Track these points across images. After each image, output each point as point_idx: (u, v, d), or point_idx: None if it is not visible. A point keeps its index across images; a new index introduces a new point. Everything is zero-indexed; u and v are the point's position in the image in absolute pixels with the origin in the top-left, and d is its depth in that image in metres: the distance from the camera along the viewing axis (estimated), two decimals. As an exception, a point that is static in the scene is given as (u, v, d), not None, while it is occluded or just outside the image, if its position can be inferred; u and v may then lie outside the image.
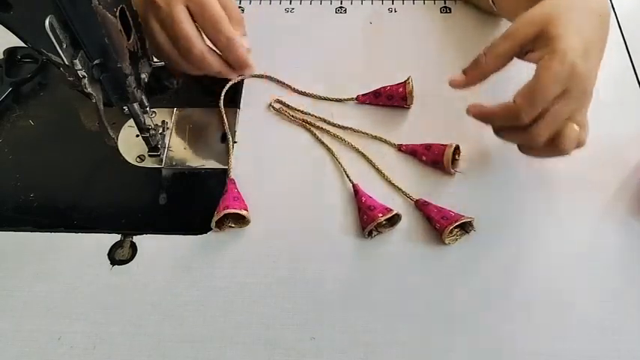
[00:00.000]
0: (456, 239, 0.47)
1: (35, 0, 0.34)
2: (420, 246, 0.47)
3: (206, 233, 0.48)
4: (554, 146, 0.44)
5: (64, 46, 0.35)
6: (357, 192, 0.49)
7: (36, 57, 0.59)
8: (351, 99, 0.55)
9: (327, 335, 0.43)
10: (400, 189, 0.50)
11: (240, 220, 0.48)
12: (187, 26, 0.45)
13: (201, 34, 0.46)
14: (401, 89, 0.53)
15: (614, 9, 0.63)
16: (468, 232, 0.47)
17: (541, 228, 0.47)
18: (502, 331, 0.42)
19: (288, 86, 0.57)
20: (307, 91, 0.56)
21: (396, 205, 0.48)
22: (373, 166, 0.51)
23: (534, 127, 0.43)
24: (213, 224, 0.46)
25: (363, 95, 0.55)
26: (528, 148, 0.46)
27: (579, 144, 0.45)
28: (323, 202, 0.49)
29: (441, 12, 0.63)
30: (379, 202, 0.48)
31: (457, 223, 0.45)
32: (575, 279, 0.45)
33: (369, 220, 0.46)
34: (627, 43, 0.60)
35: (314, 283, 0.45)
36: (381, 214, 0.46)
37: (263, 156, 0.52)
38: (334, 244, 0.47)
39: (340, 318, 0.43)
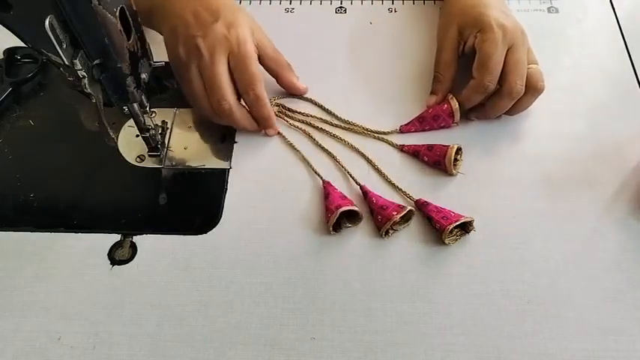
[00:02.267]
0: (456, 239, 0.47)
1: (35, 0, 0.34)
2: (421, 246, 0.47)
3: (206, 233, 0.48)
4: (531, 91, 0.50)
5: (64, 46, 0.35)
6: (366, 193, 0.49)
7: (36, 57, 0.59)
8: (395, 131, 0.54)
9: (327, 335, 0.43)
10: (400, 189, 0.50)
11: (354, 217, 0.48)
12: (223, 78, 0.48)
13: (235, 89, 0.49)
14: (446, 106, 0.52)
15: (614, 9, 0.63)
16: (468, 232, 0.47)
17: (541, 228, 0.47)
18: (502, 331, 0.42)
19: (329, 111, 0.55)
20: (348, 119, 0.54)
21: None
22: (373, 166, 0.51)
23: (507, 84, 0.49)
24: (330, 227, 0.46)
25: (406, 125, 0.54)
26: (513, 108, 0.52)
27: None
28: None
29: (441, 12, 0.63)
30: (390, 200, 0.48)
31: (457, 223, 0.45)
32: (574, 279, 0.45)
33: (385, 219, 0.46)
34: (627, 43, 0.60)
35: (314, 283, 0.45)
36: (395, 212, 0.46)
37: (263, 156, 0.52)
38: (334, 244, 0.47)
39: (340, 318, 0.43)
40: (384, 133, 0.54)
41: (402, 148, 0.52)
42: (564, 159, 0.51)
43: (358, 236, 0.47)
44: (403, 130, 0.54)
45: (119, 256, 0.47)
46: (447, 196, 0.49)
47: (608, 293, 0.44)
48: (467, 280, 0.45)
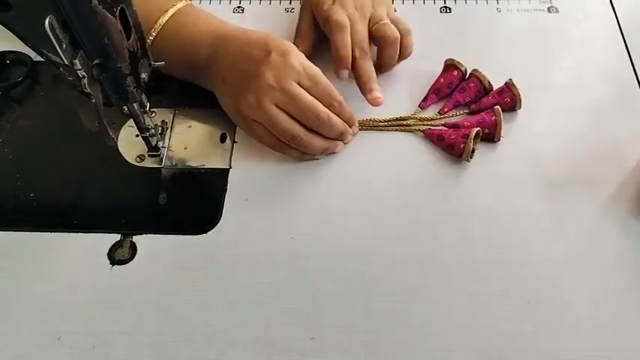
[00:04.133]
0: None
1: (35, 0, 0.34)
2: (420, 245, 0.47)
3: (206, 233, 0.48)
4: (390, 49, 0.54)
5: (64, 46, 0.35)
6: (430, 134, 0.52)
7: (25, 61, 0.58)
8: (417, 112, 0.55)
9: (327, 335, 0.43)
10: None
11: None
12: (309, 97, 0.47)
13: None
14: (456, 72, 0.55)
15: (614, 9, 0.63)
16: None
17: (541, 228, 0.47)
18: (502, 331, 0.42)
19: None
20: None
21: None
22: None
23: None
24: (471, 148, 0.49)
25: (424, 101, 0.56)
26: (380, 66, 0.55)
27: (406, 32, 0.55)
28: (322, 202, 0.49)
29: (441, 12, 0.64)
30: (451, 129, 0.52)
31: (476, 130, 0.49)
32: (575, 279, 0.45)
33: (464, 137, 0.49)
34: (627, 43, 0.60)
35: (314, 283, 0.45)
36: (468, 130, 0.50)
37: (263, 156, 0.52)
38: (334, 244, 0.47)
39: (340, 318, 0.43)
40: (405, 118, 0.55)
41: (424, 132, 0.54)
42: (564, 159, 0.51)
43: (357, 237, 0.47)
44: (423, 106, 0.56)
45: (119, 256, 0.47)
46: (446, 194, 0.49)
47: (608, 293, 0.44)
48: (467, 280, 0.45)
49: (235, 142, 0.53)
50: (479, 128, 0.50)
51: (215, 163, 0.52)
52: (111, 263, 0.46)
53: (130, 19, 0.40)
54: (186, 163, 0.52)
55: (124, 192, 0.52)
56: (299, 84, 0.47)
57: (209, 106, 0.53)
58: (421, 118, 0.54)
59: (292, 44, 0.49)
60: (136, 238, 0.48)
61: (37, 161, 0.53)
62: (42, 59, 0.39)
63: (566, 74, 0.58)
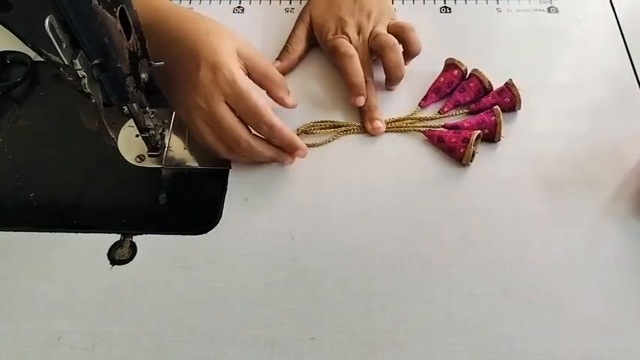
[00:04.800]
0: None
1: (35, 0, 0.34)
2: (420, 244, 0.47)
3: (206, 233, 0.48)
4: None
5: (64, 46, 0.35)
6: (431, 136, 0.52)
7: (25, 61, 0.59)
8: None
9: (327, 335, 0.43)
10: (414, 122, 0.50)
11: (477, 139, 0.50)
12: (230, 120, 0.46)
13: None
14: (456, 71, 0.55)
15: (613, 9, 0.63)
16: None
17: (541, 228, 0.47)
18: (502, 331, 0.42)
19: None
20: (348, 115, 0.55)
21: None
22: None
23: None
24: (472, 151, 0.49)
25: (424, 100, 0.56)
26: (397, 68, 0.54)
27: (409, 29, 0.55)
28: (322, 202, 0.49)
29: (441, 12, 0.64)
30: (451, 131, 0.52)
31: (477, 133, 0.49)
32: (575, 279, 0.45)
33: (465, 141, 0.49)
34: (627, 43, 0.60)
35: (314, 283, 0.45)
36: (469, 133, 0.50)
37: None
38: (334, 244, 0.47)
39: (340, 318, 0.43)
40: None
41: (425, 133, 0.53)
42: (564, 159, 0.51)
43: (357, 236, 0.47)
44: (423, 105, 0.56)
45: (119, 256, 0.47)
46: (446, 194, 0.49)
47: (608, 293, 0.44)
48: (467, 280, 0.45)
49: (235, 142, 0.53)
50: (479, 131, 0.50)
51: (215, 163, 0.52)
52: (111, 263, 0.46)
53: (130, 19, 0.40)
54: (186, 163, 0.52)
55: (124, 192, 0.52)
56: (227, 102, 0.46)
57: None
58: (421, 117, 0.54)
59: (225, 44, 0.47)
60: (136, 238, 0.48)
61: (37, 161, 0.53)
62: (42, 59, 0.39)
63: (566, 74, 0.58)
